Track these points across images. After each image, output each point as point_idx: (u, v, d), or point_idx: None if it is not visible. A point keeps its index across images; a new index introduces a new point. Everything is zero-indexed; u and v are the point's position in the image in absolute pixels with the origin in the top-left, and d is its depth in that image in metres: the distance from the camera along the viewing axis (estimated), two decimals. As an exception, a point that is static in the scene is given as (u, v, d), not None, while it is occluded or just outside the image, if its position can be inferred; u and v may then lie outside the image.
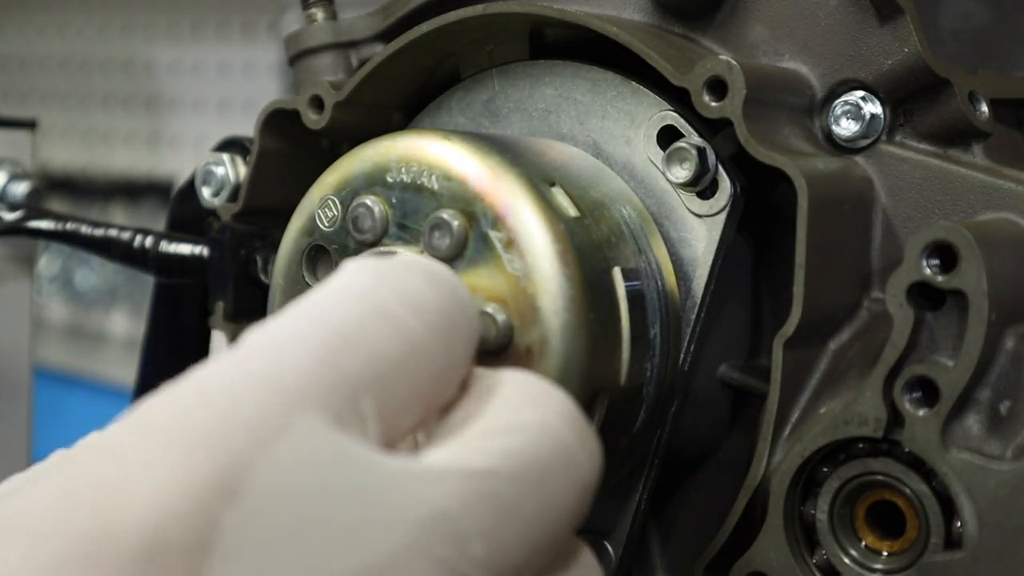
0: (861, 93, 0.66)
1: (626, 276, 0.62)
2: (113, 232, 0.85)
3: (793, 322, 0.61)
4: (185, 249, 0.82)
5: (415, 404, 0.47)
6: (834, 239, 0.63)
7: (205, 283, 0.79)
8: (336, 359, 0.45)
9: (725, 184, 0.64)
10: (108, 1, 1.77)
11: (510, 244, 0.59)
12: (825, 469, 0.61)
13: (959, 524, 0.57)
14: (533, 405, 0.48)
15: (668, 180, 0.65)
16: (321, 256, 0.64)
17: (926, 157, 0.65)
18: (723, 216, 0.64)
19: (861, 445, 0.60)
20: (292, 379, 0.44)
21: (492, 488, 0.44)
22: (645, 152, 0.66)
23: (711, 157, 0.64)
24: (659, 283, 0.64)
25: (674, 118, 0.66)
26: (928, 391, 0.58)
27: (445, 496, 0.43)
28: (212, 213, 0.78)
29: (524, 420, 0.47)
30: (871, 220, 0.66)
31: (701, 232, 0.65)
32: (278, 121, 0.74)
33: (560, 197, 0.61)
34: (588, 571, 0.50)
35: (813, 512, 0.61)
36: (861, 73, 0.66)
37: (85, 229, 0.86)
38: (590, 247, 0.61)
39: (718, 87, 0.63)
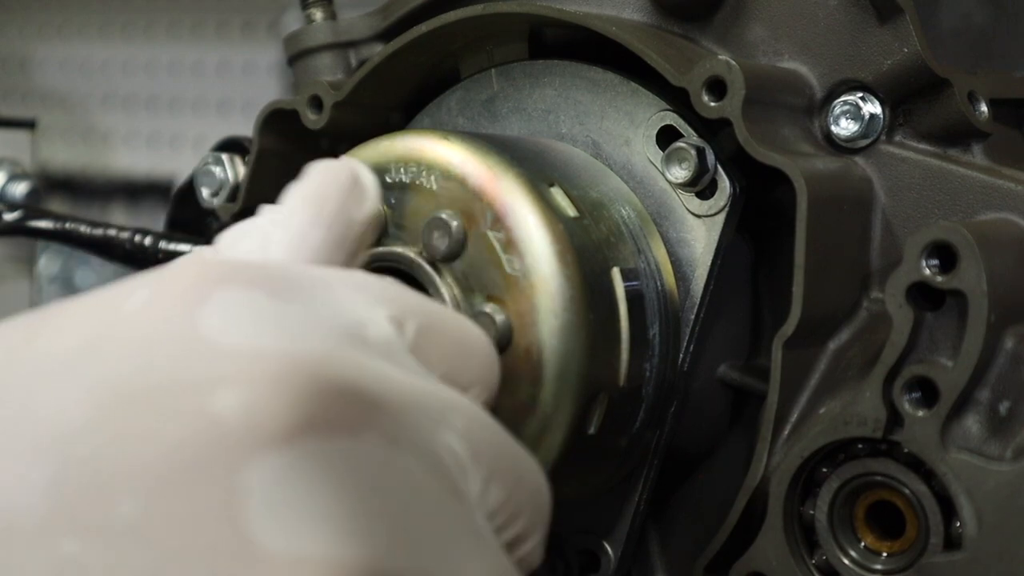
0: (860, 93, 0.66)
1: (625, 276, 0.62)
2: (113, 232, 0.85)
3: (792, 322, 0.61)
4: (185, 249, 0.82)
5: None
6: (833, 239, 0.63)
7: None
8: None
9: (724, 184, 0.64)
10: (108, 1, 1.77)
11: (509, 244, 0.59)
12: (825, 469, 0.61)
13: (959, 524, 0.57)
14: None
15: (667, 180, 0.65)
16: (320, 256, 0.64)
17: (926, 157, 0.65)
18: (722, 216, 0.64)
19: (861, 445, 0.60)
20: None
21: None
22: (644, 152, 0.66)
23: (710, 157, 0.64)
24: (658, 283, 0.64)
25: (673, 118, 0.66)
26: (928, 391, 0.58)
27: None
28: (211, 213, 0.78)
29: None
30: (870, 220, 0.66)
31: (700, 232, 0.65)
32: (277, 121, 0.74)
33: (559, 197, 0.61)
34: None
35: (812, 512, 0.61)
36: (861, 73, 0.66)
37: (85, 229, 0.86)
38: (589, 247, 0.61)
39: (717, 87, 0.63)
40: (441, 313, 0.51)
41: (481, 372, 0.52)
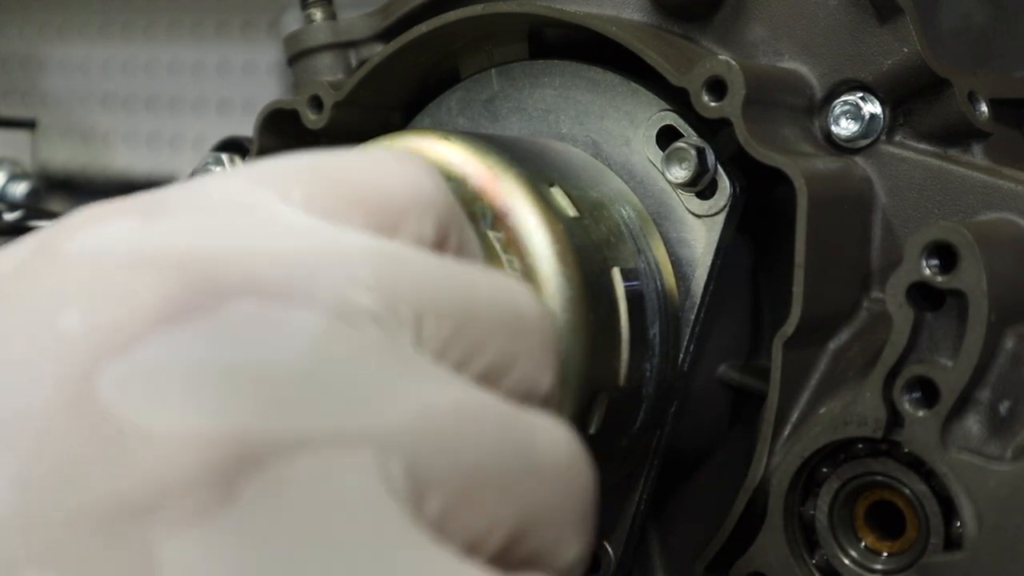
0: (861, 93, 0.66)
1: (625, 276, 0.62)
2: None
3: (793, 322, 0.61)
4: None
5: None
6: (834, 239, 0.63)
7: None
8: None
9: (724, 184, 0.64)
10: (108, 1, 1.77)
11: (509, 244, 0.59)
12: (825, 469, 0.61)
13: (959, 524, 0.57)
14: None
15: (667, 180, 0.65)
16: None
17: (926, 157, 0.65)
18: (722, 216, 0.64)
19: (861, 445, 0.60)
20: None
21: None
22: (644, 152, 0.66)
23: (710, 157, 0.64)
24: (658, 283, 0.64)
25: (673, 118, 0.66)
26: (928, 391, 0.58)
27: None
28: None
29: None
30: (871, 220, 0.66)
31: (700, 232, 0.65)
32: (277, 121, 0.74)
33: (559, 197, 0.61)
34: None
35: (813, 512, 0.61)
36: (861, 73, 0.66)
37: (84, 229, 0.86)
38: (589, 247, 0.61)
39: (717, 87, 0.63)
40: (343, 158, 0.46)
41: (405, 202, 0.45)
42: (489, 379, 0.42)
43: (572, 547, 0.42)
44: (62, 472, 0.35)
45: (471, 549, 0.38)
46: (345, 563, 0.35)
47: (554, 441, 0.42)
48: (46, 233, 0.42)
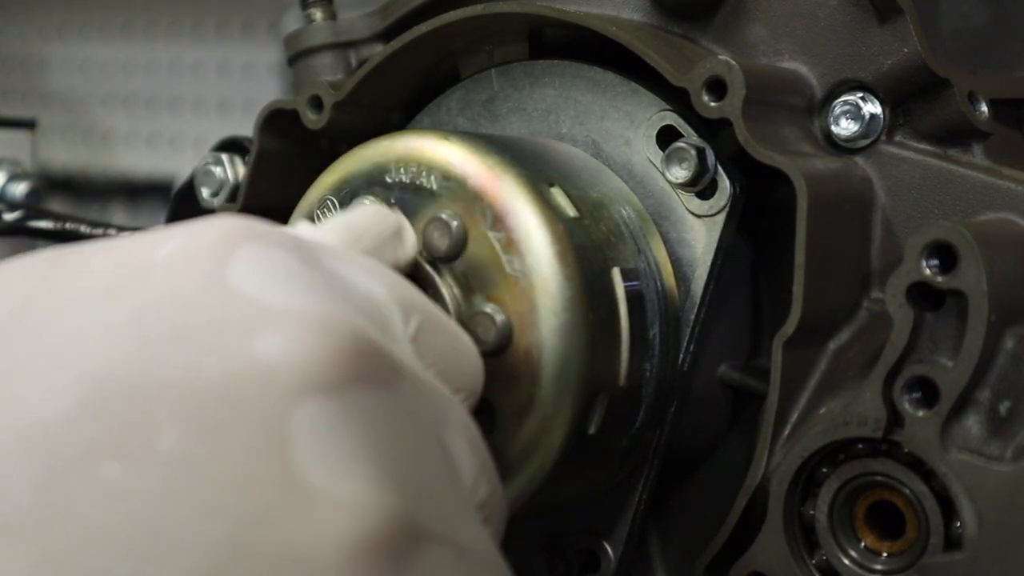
0: (860, 93, 0.66)
1: (625, 276, 0.62)
2: (113, 232, 0.85)
3: (792, 322, 0.61)
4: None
5: None
6: (834, 239, 0.63)
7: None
8: None
9: (724, 184, 0.64)
10: (108, 1, 1.77)
11: (509, 244, 0.59)
12: (825, 469, 0.61)
13: (959, 524, 0.57)
14: None
15: (667, 180, 0.65)
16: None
17: (926, 157, 0.65)
18: (722, 216, 0.64)
19: (861, 445, 0.60)
20: None
21: None
22: (644, 152, 0.66)
23: (710, 157, 0.64)
24: (658, 283, 0.64)
25: (673, 118, 0.66)
26: (928, 391, 0.57)
27: None
28: (211, 213, 0.78)
29: None
30: (871, 220, 0.66)
31: (700, 232, 0.65)
32: (277, 121, 0.74)
33: (559, 197, 0.61)
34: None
35: (813, 512, 0.61)
36: (861, 73, 0.66)
37: (85, 229, 0.86)
38: (589, 247, 0.61)
39: (717, 87, 0.63)
40: (440, 314, 0.52)
41: (470, 379, 0.53)
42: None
43: None
44: (255, 513, 0.37)
45: None
46: None
47: None
48: (205, 234, 0.43)
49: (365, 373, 0.41)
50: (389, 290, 0.48)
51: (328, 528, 0.37)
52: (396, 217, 0.58)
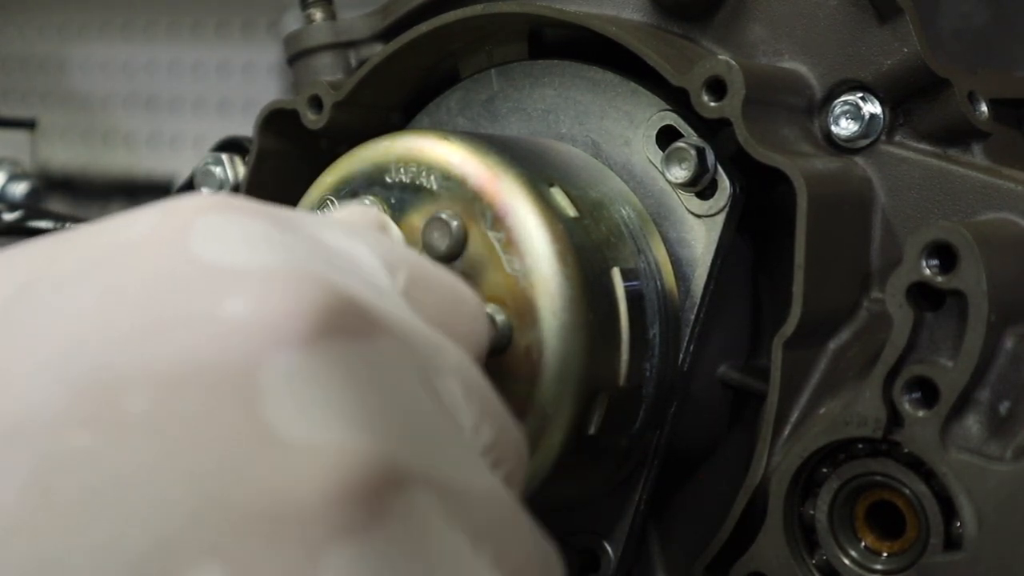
0: (860, 93, 0.66)
1: (625, 276, 0.62)
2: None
3: (792, 322, 0.61)
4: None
5: None
6: (833, 239, 0.63)
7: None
8: None
9: (724, 184, 0.64)
10: (108, 1, 1.77)
11: (509, 244, 0.59)
12: (825, 469, 0.61)
13: (959, 524, 0.57)
14: None
15: (667, 180, 0.65)
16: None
17: (926, 157, 0.65)
18: (722, 216, 0.64)
19: (861, 445, 0.60)
20: None
21: None
22: (644, 152, 0.66)
23: (710, 157, 0.64)
24: (658, 283, 0.64)
25: (673, 118, 0.66)
26: (928, 391, 0.57)
27: None
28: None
29: None
30: (871, 220, 0.66)
31: (700, 232, 0.65)
32: (277, 121, 0.74)
33: (559, 197, 0.61)
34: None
35: (813, 512, 0.61)
36: (860, 73, 0.66)
37: (84, 229, 0.86)
38: (589, 247, 0.61)
39: (717, 87, 0.63)
40: (431, 266, 0.51)
41: (471, 326, 0.52)
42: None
43: None
44: (229, 467, 0.37)
45: None
46: None
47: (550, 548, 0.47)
48: (175, 209, 0.43)
49: (340, 325, 0.40)
50: (371, 248, 0.48)
51: (304, 475, 0.37)
52: (377, 212, 0.57)
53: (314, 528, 0.36)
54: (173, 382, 0.38)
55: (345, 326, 0.40)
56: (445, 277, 0.52)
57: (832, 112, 0.66)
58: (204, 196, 0.44)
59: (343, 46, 0.78)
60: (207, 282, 0.40)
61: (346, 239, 0.47)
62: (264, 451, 0.37)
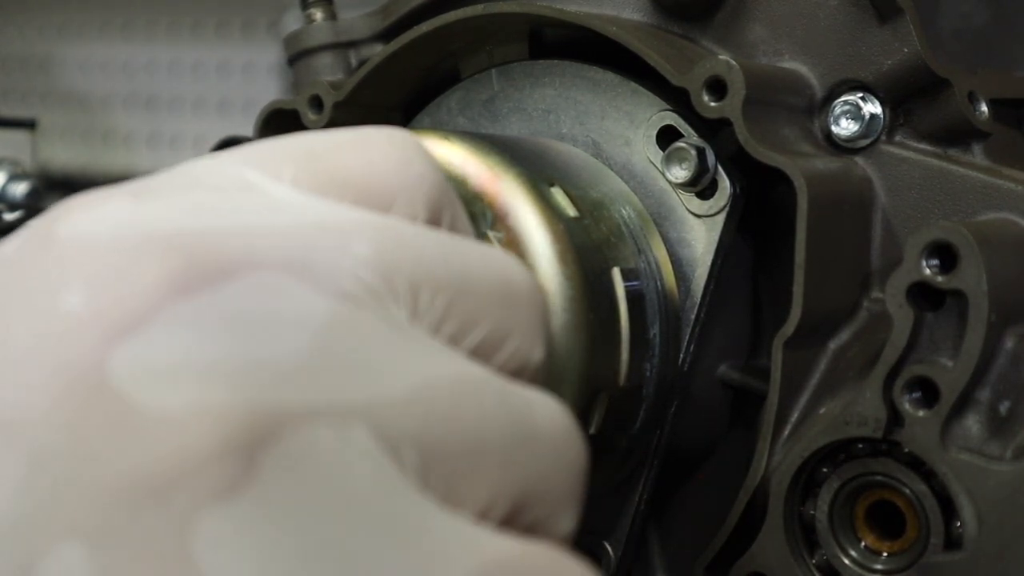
0: (861, 93, 0.66)
1: (625, 276, 0.62)
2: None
3: (793, 322, 0.61)
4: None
5: None
6: (834, 239, 0.63)
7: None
8: None
9: (725, 184, 0.64)
10: (108, 1, 1.77)
11: (509, 244, 0.59)
12: (825, 469, 0.61)
13: (959, 524, 0.57)
14: None
15: (667, 180, 0.65)
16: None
17: (926, 157, 0.65)
18: (722, 216, 0.64)
19: (861, 445, 0.60)
20: None
21: None
22: (644, 152, 0.66)
23: (710, 157, 0.64)
24: (659, 283, 0.64)
25: (673, 118, 0.66)
26: (928, 391, 0.58)
27: None
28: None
29: None
30: (871, 220, 0.66)
31: (700, 232, 0.65)
32: (277, 121, 0.74)
33: (559, 197, 0.61)
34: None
35: (813, 512, 0.61)
36: (861, 73, 0.66)
37: (84, 229, 0.86)
38: (589, 247, 0.61)
39: (717, 87, 0.63)
40: (338, 143, 0.46)
41: (397, 181, 0.46)
42: (482, 353, 0.43)
43: (568, 518, 0.43)
44: (79, 451, 0.36)
45: (477, 519, 0.39)
46: (366, 533, 0.35)
47: (550, 414, 0.42)
48: (37, 222, 0.42)
49: (182, 284, 0.38)
50: (273, 161, 0.44)
51: (162, 445, 0.35)
52: (413, 157, 0.50)
53: (179, 497, 0.35)
54: (21, 380, 0.37)
55: (188, 284, 0.38)
56: (348, 153, 0.46)
57: (832, 112, 0.66)
58: (68, 199, 0.42)
59: (343, 46, 0.78)
60: (59, 274, 0.39)
61: (232, 168, 0.44)
62: (119, 426, 0.36)
